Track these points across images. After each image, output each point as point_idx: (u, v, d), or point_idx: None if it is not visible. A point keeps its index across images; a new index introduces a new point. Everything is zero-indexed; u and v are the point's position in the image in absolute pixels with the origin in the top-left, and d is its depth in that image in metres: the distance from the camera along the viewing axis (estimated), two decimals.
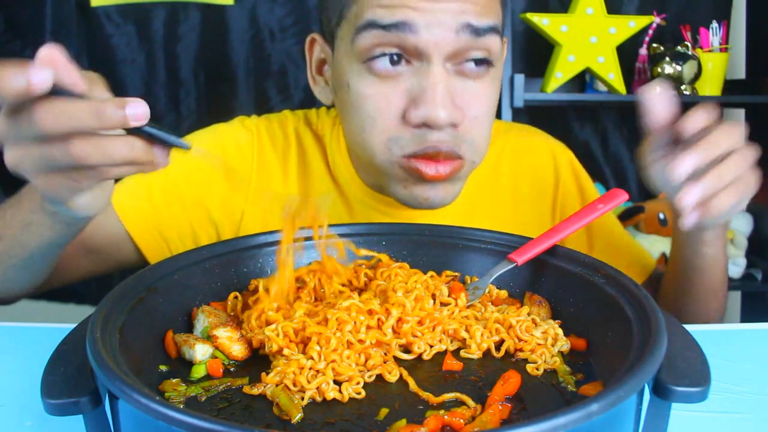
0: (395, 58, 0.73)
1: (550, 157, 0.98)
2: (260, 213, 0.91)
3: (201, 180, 0.91)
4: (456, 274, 0.68)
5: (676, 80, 1.83)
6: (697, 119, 0.63)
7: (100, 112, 0.47)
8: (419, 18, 0.69)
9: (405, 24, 0.70)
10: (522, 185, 0.97)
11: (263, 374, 0.51)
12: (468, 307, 0.61)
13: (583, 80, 2.00)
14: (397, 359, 0.56)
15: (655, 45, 1.88)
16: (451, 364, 0.55)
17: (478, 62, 0.74)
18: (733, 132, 0.63)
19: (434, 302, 0.60)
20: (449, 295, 0.62)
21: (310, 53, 0.85)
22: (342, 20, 0.76)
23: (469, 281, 0.67)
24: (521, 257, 0.64)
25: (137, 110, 0.48)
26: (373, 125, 0.75)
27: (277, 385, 0.50)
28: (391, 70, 0.73)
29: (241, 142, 0.92)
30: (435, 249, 0.70)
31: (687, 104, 0.69)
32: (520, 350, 0.56)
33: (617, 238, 0.95)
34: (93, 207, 0.57)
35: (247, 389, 0.50)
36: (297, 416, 0.47)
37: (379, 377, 0.53)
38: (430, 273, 0.65)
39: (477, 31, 0.71)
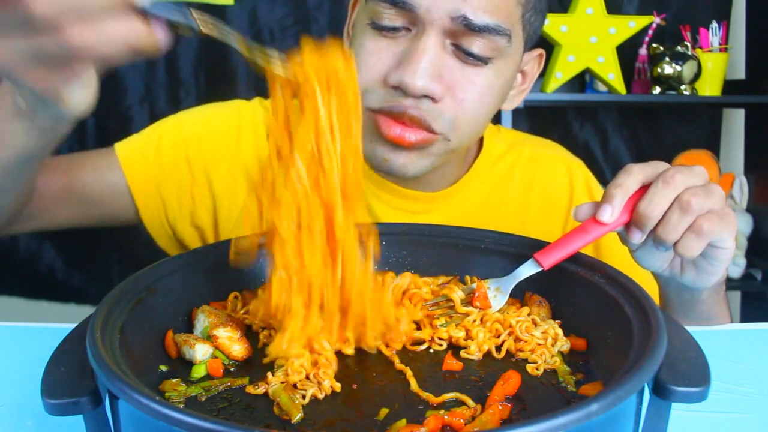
0: (397, 26, 0.73)
1: (566, 172, 0.96)
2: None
3: (212, 147, 0.91)
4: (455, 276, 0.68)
5: (675, 80, 1.84)
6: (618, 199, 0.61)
7: None
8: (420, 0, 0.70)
9: (406, 2, 0.71)
10: (533, 198, 0.95)
11: (269, 374, 0.51)
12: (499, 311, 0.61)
13: (583, 80, 2.00)
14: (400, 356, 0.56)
15: (655, 45, 1.88)
16: (451, 364, 0.55)
17: (475, 55, 0.73)
18: (671, 184, 0.60)
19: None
20: (472, 303, 0.61)
21: (352, 10, 0.86)
22: None
23: (469, 281, 0.67)
24: (548, 260, 0.61)
25: None
26: (361, 80, 0.74)
27: (282, 382, 0.50)
28: (391, 33, 0.74)
29: (257, 119, 0.94)
30: (435, 249, 0.70)
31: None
32: (520, 350, 0.56)
33: (627, 259, 0.93)
34: (84, 102, 0.49)
35: (250, 389, 0.50)
36: (297, 416, 0.47)
37: (380, 375, 0.53)
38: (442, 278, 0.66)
39: (471, 26, 0.70)
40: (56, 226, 0.89)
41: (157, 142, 0.90)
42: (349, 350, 0.56)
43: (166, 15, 0.45)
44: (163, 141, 0.90)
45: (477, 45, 0.72)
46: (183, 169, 0.90)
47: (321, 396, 0.50)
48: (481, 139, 0.95)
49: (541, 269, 0.61)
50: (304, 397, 0.49)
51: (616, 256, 0.92)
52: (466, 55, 0.73)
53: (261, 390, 0.50)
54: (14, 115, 0.57)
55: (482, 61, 0.73)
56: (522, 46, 0.79)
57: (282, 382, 0.50)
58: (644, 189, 0.61)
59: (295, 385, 0.50)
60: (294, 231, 0.52)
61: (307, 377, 0.51)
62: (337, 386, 0.51)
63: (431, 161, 0.78)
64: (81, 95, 0.48)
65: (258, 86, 2.02)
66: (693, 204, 0.59)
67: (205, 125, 0.92)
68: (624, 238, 0.65)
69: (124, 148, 0.89)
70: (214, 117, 0.94)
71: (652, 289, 0.79)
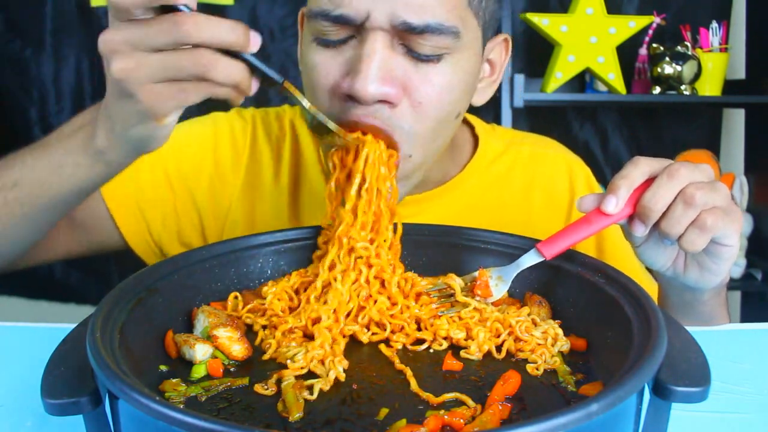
0: (342, 38, 0.70)
1: (567, 171, 0.96)
2: (249, 203, 0.91)
3: (190, 161, 0.90)
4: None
5: (675, 80, 1.83)
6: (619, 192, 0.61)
7: (237, 31, 0.50)
8: (359, 12, 0.67)
9: (345, 17, 0.68)
10: (534, 198, 0.94)
11: (289, 362, 0.53)
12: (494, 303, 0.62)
13: (583, 80, 2.00)
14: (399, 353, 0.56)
15: (655, 45, 1.88)
16: (451, 364, 0.55)
17: (425, 55, 0.69)
18: (674, 179, 0.60)
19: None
20: (473, 290, 0.62)
21: (301, 29, 0.82)
22: None
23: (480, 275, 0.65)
24: (550, 250, 0.61)
25: (257, 39, 0.52)
26: (312, 99, 0.73)
27: (302, 368, 0.52)
28: (336, 42, 0.70)
29: (235, 129, 0.93)
30: (435, 249, 0.70)
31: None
32: (520, 350, 0.56)
33: (629, 259, 0.93)
34: (166, 135, 0.59)
35: (258, 388, 0.50)
36: (296, 415, 0.47)
37: (380, 375, 0.53)
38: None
39: (414, 29, 0.67)
40: (53, 258, 0.89)
41: (135, 163, 0.87)
42: (365, 337, 0.59)
43: (261, 66, 0.54)
44: (140, 161, 0.87)
45: (425, 46, 0.68)
46: (164, 188, 0.89)
47: (327, 388, 0.50)
48: (476, 139, 0.94)
49: (543, 259, 0.61)
50: (311, 392, 0.49)
51: (618, 257, 0.92)
52: (416, 54, 0.69)
53: (270, 391, 0.50)
54: (83, 149, 0.62)
55: (435, 58, 0.70)
56: (479, 35, 0.74)
57: (301, 368, 0.52)
58: (649, 182, 0.61)
59: (307, 372, 0.52)
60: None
61: (322, 362, 0.53)
62: (342, 375, 0.52)
63: (404, 185, 0.74)
64: (173, 122, 0.56)
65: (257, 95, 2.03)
66: (697, 198, 0.59)
67: (181, 141, 0.90)
68: (627, 231, 0.65)
69: None
70: (190, 131, 0.92)
71: (651, 291, 0.80)
